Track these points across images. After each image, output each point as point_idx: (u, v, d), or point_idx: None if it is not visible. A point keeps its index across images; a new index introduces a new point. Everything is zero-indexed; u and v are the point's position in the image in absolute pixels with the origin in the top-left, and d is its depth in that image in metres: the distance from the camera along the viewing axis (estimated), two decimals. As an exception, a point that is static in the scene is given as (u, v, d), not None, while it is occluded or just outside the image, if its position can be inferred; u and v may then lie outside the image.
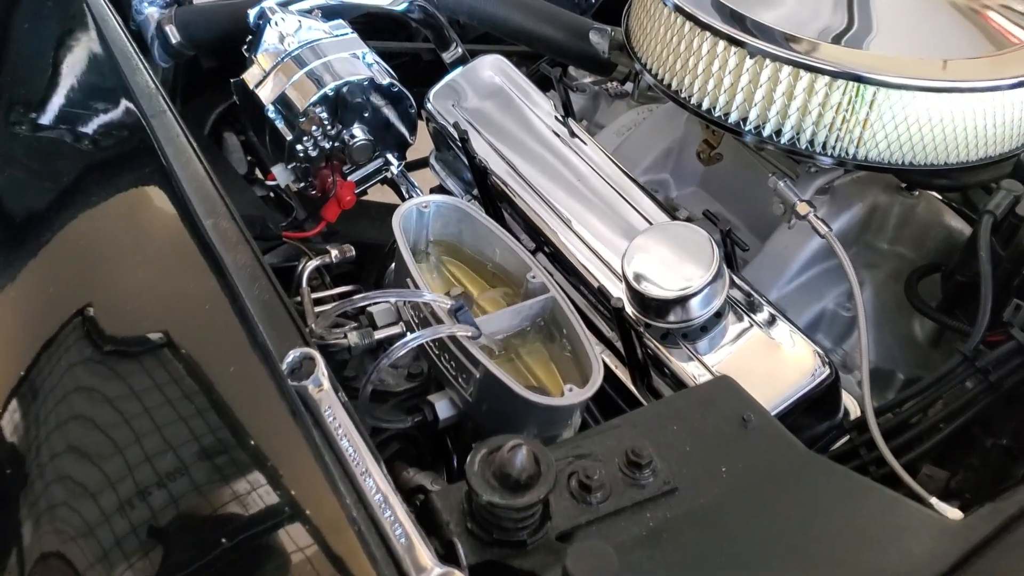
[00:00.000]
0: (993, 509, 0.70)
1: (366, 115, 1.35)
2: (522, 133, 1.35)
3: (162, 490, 0.69)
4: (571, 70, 1.69)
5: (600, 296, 1.13)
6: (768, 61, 1.10)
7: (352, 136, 1.35)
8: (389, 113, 1.37)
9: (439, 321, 0.92)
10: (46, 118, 1.10)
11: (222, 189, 0.96)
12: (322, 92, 1.30)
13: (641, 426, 0.83)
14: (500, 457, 0.72)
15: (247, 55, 1.40)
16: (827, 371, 1.06)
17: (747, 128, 1.16)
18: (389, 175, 1.45)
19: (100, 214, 0.95)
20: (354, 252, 1.14)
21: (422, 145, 1.52)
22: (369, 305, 0.99)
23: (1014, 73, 1.10)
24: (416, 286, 0.95)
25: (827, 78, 1.08)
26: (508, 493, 0.71)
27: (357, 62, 1.35)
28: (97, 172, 1.02)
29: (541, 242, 1.25)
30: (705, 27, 1.13)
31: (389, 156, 1.43)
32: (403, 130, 1.40)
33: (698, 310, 1.07)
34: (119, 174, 1.01)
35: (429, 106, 1.42)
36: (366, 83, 1.33)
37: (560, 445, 0.83)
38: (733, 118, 1.16)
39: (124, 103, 1.06)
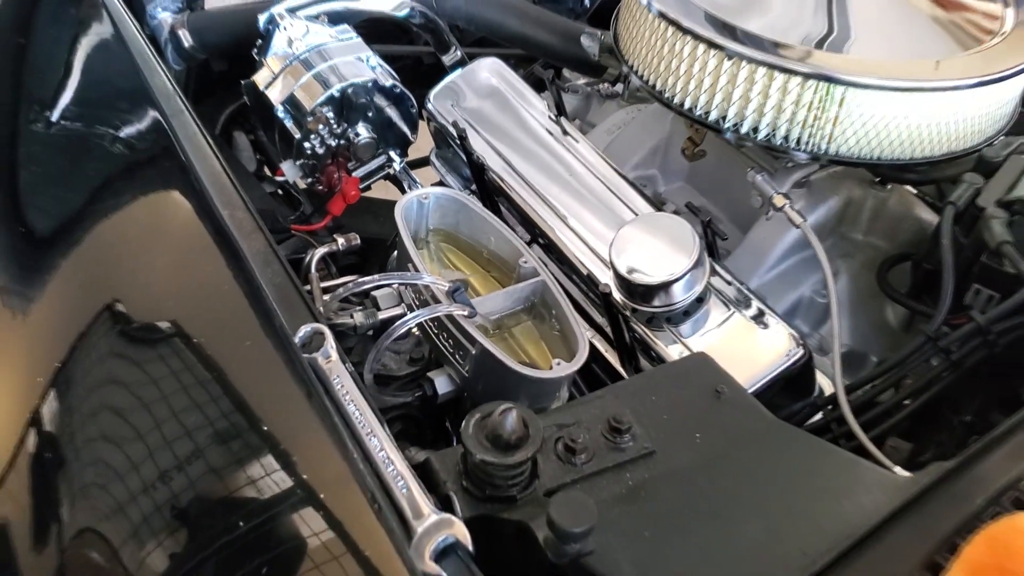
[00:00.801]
0: (937, 466, 0.77)
1: (370, 115, 1.43)
2: (517, 132, 1.42)
3: (191, 452, 0.77)
4: (565, 72, 1.77)
5: (589, 282, 1.21)
6: (744, 63, 1.17)
7: (357, 134, 1.43)
8: (391, 113, 1.44)
9: (438, 302, 0.99)
10: (70, 120, 1.17)
11: (237, 183, 1.03)
12: (328, 93, 1.38)
13: (623, 397, 0.90)
14: (492, 420, 0.79)
15: (257, 58, 1.47)
16: (801, 352, 1.14)
17: (726, 126, 1.23)
18: (392, 171, 1.52)
19: (124, 207, 1.02)
20: (359, 241, 1.21)
21: (424, 144, 1.60)
22: (373, 289, 1.07)
23: (975, 73, 1.17)
24: (416, 270, 1.03)
25: (799, 78, 1.15)
26: (499, 452, 0.78)
27: (361, 65, 1.43)
28: (120, 168, 1.09)
29: (535, 234, 1.33)
30: (687, 32, 1.21)
31: (392, 153, 1.50)
32: (405, 129, 1.47)
33: (680, 295, 1.14)
34: (141, 170, 1.08)
35: (430, 106, 1.49)
36: (370, 84, 1.40)
37: (549, 414, 0.90)
38: (713, 116, 1.24)
39: (144, 103, 1.12)
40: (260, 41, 1.48)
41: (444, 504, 0.79)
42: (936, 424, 1.22)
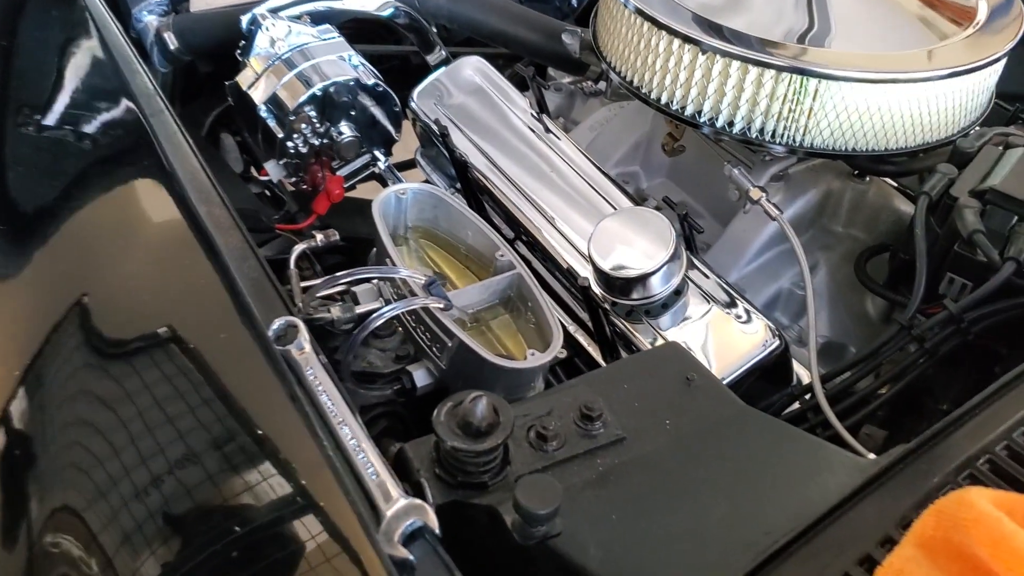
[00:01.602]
0: (900, 448, 0.78)
1: (353, 113, 1.44)
2: (500, 129, 1.44)
3: (164, 442, 0.78)
4: (550, 71, 1.78)
5: (570, 277, 1.22)
6: (719, 57, 1.18)
7: (340, 133, 1.44)
8: (375, 111, 1.46)
9: (415, 295, 1.01)
10: (51, 119, 1.18)
11: (215, 180, 1.04)
12: (311, 92, 1.39)
13: (595, 385, 0.91)
14: (463, 408, 0.80)
15: (240, 59, 1.48)
16: (777, 342, 1.15)
17: (702, 120, 1.24)
18: (377, 170, 1.53)
19: (103, 205, 1.03)
20: (338, 236, 1.22)
21: (413, 145, 1.61)
22: (351, 284, 1.08)
23: (947, 64, 1.18)
24: (394, 265, 1.04)
25: (773, 71, 1.17)
26: (470, 439, 0.79)
27: (344, 64, 1.44)
28: (100, 167, 1.10)
29: (519, 231, 1.34)
30: (662, 27, 1.22)
31: (376, 152, 1.51)
32: (388, 127, 1.48)
33: (658, 287, 1.15)
34: (121, 168, 1.09)
35: (413, 105, 1.51)
36: (352, 83, 1.42)
37: (523, 402, 0.91)
38: (689, 111, 1.25)
39: (125, 103, 1.14)
40: (243, 42, 1.49)
41: (416, 491, 0.80)
42: (916, 413, 1.23)
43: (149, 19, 1.65)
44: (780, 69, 1.16)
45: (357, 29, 1.86)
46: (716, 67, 1.19)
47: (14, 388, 0.84)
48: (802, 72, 1.16)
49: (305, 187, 1.48)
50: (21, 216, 1.08)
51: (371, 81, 1.44)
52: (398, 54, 1.93)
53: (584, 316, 1.24)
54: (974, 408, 0.80)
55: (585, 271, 1.21)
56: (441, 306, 0.98)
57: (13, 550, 0.77)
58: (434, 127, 1.42)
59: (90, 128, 1.16)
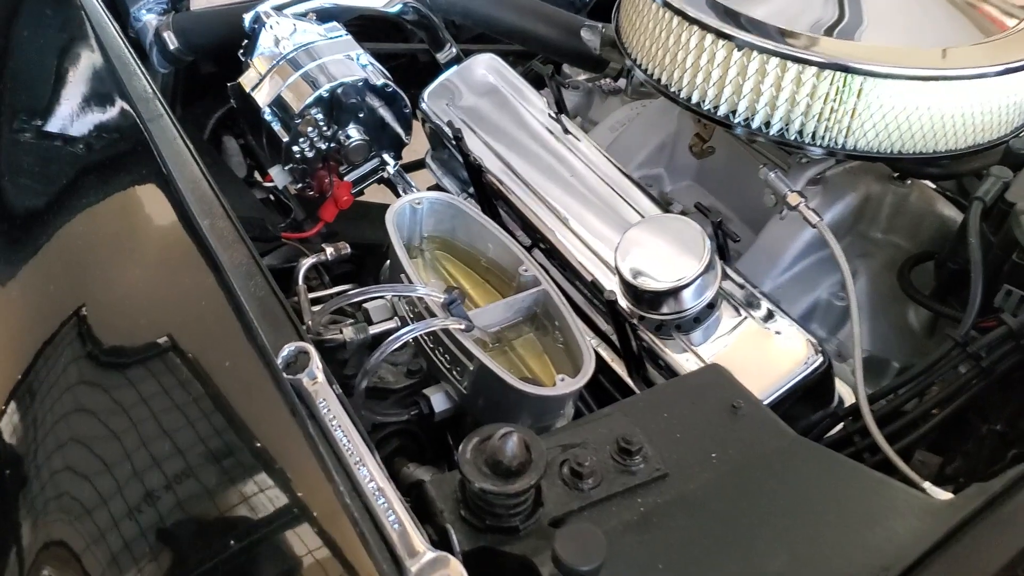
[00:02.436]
0: (979, 488, 0.71)
1: (361, 116, 1.37)
2: (516, 131, 1.36)
3: (160, 484, 0.71)
4: (565, 68, 1.71)
5: (594, 289, 1.15)
6: (755, 53, 1.11)
7: (348, 137, 1.37)
8: (384, 113, 1.38)
9: (432, 315, 0.93)
10: (46, 124, 1.12)
11: (218, 190, 0.97)
12: (317, 94, 1.32)
13: (632, 414, 0.84)
14: (491, 445, 0.73)
15: (243, 59, 1.41)
16: (820, 359, 1.08)
17: (736, 120, 1.17)
18: (386, 175, 1.46)
19: (99, 216, 0.97)
20: (349, 249, 1.15)
21: (420, 146, 1.54)
22: (365, 301, 1.00)
23: (1001, 60, 1.11)
24: (410, 281, 0.97)
25: (814, 69, 1.09)
26: (500, 480, 0.72)
27: (351, 63, 1.37)
28: (96, 175, 1.04)
29: (536, 239, 1.27)
30: (693, 21, 1.15)
31: (385, 156, 1.44)
32: (398, 130, 1.41)
33: (690, 301, 1.08)
34: (117, 177, 1.03)
35: (424, 106, 1.43)
36: (360, 84, 1.34)
37: (553, 434, 0.84)
38: (722, 111, 1.17)
39: (122, 108, 1.08)
40: (246, 41, 1.42)
41: (440, 536, 0.73)
42: (962, 433, 1.16)
43: (148, 18, 1.58)
44: (822, 66, 1.09)
45: (362, 26, 1.80)
46: (752, 64, 1.11)
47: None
48: (846, 69, 1.08)
49: (312, 193, 1.41)
50: (10, 229, 1.01)
51: (380, 81, 1.36)
52: (406, 52, 1.86)
53: (607, 328, 1.17)
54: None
55: (610, 283, 1.14)
56: (462, 327, 0.91)
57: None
58: (447, 130, 1.34)
59: (85, 135, 1.09)
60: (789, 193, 1.18)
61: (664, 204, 1.33)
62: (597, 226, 1.23)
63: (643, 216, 1.21)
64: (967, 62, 1.10)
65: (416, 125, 1.48)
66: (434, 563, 0.65)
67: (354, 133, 1.38)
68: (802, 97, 1.11)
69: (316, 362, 0.77)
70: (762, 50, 1.10)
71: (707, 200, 1.40)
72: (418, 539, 0.67)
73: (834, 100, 1.10)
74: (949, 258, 1.18)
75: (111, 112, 1.09)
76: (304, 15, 1.44)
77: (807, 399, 1.10)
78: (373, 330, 0.97)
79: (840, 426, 1.09)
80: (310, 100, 1.32)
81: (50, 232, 0.95)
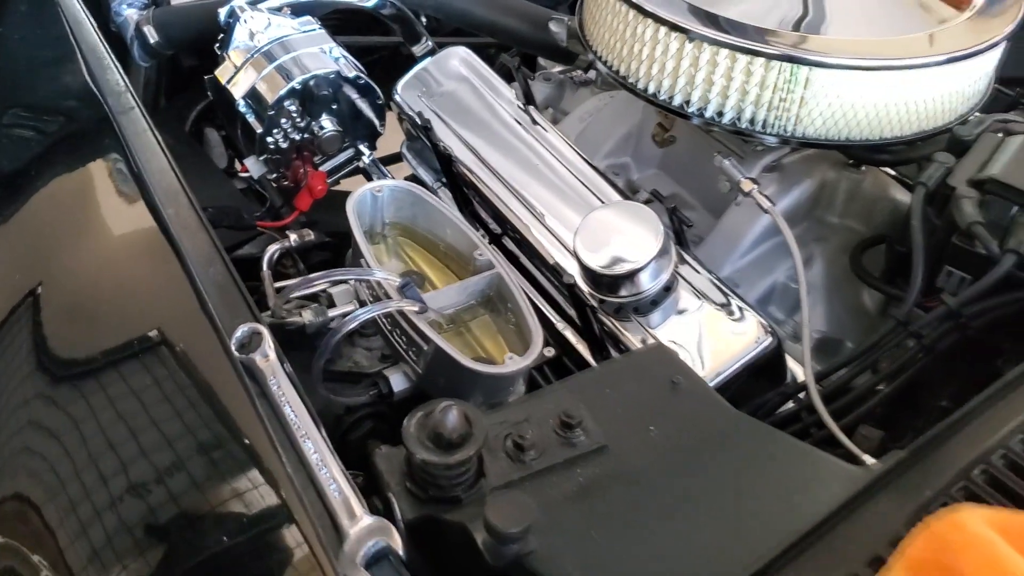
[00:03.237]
0: (893, 455, 0.75)
1: (334, 107, 1.40)
2: (486, 121, 1.39)
3: (114, 453, 0.75)
4: (541, 60, 1.74)
5: (554, 273, 1.18)
6: (706, 45, 1.14)
7: (321, 127, 1.40)
8: (357, 104, 1.41)
9: (389, 298, 0.97)
10: (16, 116, 1.15)
11: (185, 181, 1.00)
12: (290, 85, 1.35)
13: (577, 390, 0.88)
14: (433, 418, 0.77)
15: (219, 52, 1.45)
16: (770, 339, 1.11)
17: (691, 110, 1.20)
18: (361, 164, 1.49)
19: (61, 207, 1.00)
20: (313, 236, 1.19)
21: (400, 139, 1.57)
22: (325, 287, 1.04)
23: (943, 50, 1.14)
24: (368, 266, 1.00)
25: (763, 59, 1.12)
26: (441, 451, 0.76)
27: (324, 56, 1.40)
28: (64, 167, 1.07)
29: (506, 227, 1.30)
30: (648, 15, 1.18)
31: (360, 146, 1.47)
32: (372, 120, 1.44)
33: (646, 284, 1.11)
34: (84, 169, 1.06)
35: (397, 97, 1.46)
36: (333, 76, 1.37)
37: (500, 410, 0.88)
38: (677, 101, 1.21)
39: (93, 101, 1.10)
40: (222, 35, 1.45)
41: (385, 506, 0.76)
42: (914, 410, 1.19)
43: (129, 13, 1.60)
44: (770, 57, 1.12)
45: (345, 20, 1.83)
46: (704, 55, 1.15)
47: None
48: (792, 60, 1.11)
49: (287, 183, 1.44)
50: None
51: (352, 74, 1.39)
52: (386, 46, 1.88)
53: (574, 313, 1.21)
54: (971, 412, 0.77)
55: (573, 268, 1.17)
56: (416, 309, 0.95)
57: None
58: (417, 120, 1.38)
59: (54, 127, 1.13)
60: (742, 179, 1.21)
61: (630, 192, 1.37)
62: (563, 213, 1.26)
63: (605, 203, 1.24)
64: (911, 52, 1.13)
65: (394, 119, 1.51)
66: (371, 529, 0.69)
67: (327, 124, 1.41)
68: (752, 87, 1.14)
69: (268, 342, 0.81)
70: (713, 42, 1.14)
71: (671, 188, 1.43)
72: (358, 506, 0.70)
73: (782, 90, 1.13)
74: (897, 241, 1.21)
75: (82, 105, 1.12)
76: (279, 10, 1.47)
77: (761, 377, 1.14)
78: (332, 313, 1.01)
79: (790, 403, 1.12)
80: (283, 92, 1.35)
81: (16, 222, 0.99)
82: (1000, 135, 1.15)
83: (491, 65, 1.49)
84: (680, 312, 1.15)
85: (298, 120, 1.39)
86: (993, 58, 1.21)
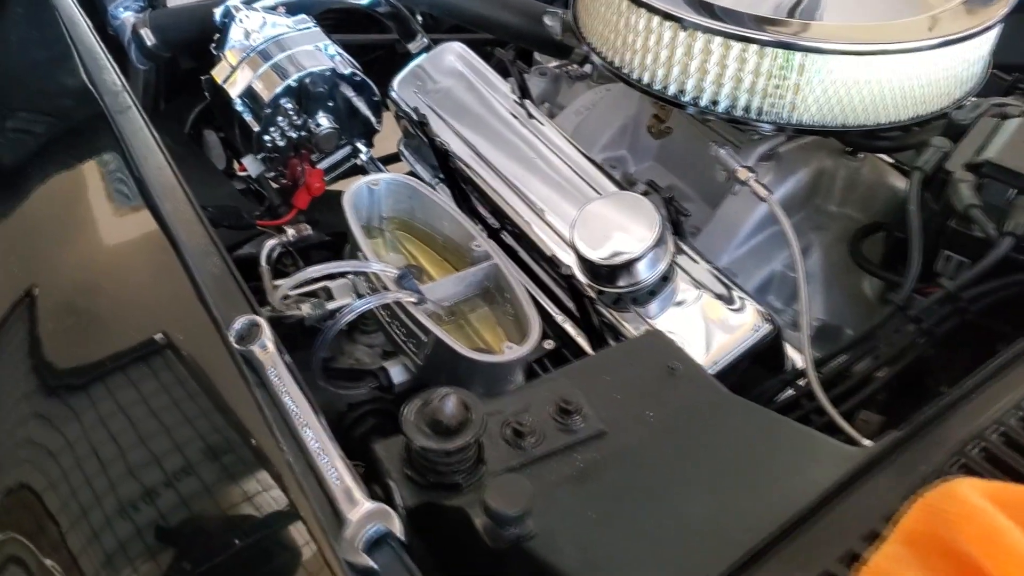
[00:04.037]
0: (890, 435, 0.75)
1: (331, 104, 1.41)
2: (482, 116, 1.40)
3: (114, 444, 0.75)
4: (537, 55, 1.74)
5: (552, 265, 1.18)
6: (699, 34, 1.14)
7: (318, 125, 1.41)
8: (354, 102, 1.42)
9: (387, 289, 0.97)
10: (12, 119, 1.15)
11: (183, 179, 1.01)
12: (286, 83, 1.36)
13: (575, 377, 0.88)
14: (432, 406, 0.77)
15: (215, 52, 1.45)
16: (769, 327, 1.11)
17: (686, 99, 1.20)
18: (359, 162, 1.50)
19: (59, 205, 1.01)
20: (311, 230, 1.19)
21: (397, 136, 1.57)
22: (323, 280, 1.04)
23: (939, 33, 1.14)
24: (366, 259, 1.01)
25: (756, 47, 1.12)
26: (440, 438, 0.76)
27: (320, 54, 1.40)
28: (61, 167, 1.07)
29: (504, 221, 1.30)
30: (641, 4, 1.18)
31: (357, 144, 1.48)
32: (369, 117, 1.45)
33: (644, 274, 1.11)
34: (83, 167, 1.06)
35: (393, 94, 1.47)
36: (328, 73, 1.38)
37: (498, 398, 0.88)
38: (672, 91, 1.21)
39: (90, 102, 1.11)
40: (218, 35, 1.46)
41: (386, 493, 0.77)
42: (915, 396, 1.19)
43: (126, 16, 1.61)
44: (763, 44, 1.12)
45: (341, 19, 1.83)
46: (697, 44, 1.15)
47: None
48: (786, 46, 1.11)
49: (285, 181, 1.45)
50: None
51: (348, 71, 1.40)
52: (382, 43, 1.89)
53: (572, 305, 1.21)
54: (968, 391, 0.77)
55: (570, 259, 1.18)
56: (414, 300, 0.95)
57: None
58: (413, 116, 1.38)
59: (52, 128, 1.13)
60: (738, 169, 1.21)
61: (627, 185, 1.36)
62: (560, 206, 1.26)
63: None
64: (905, 36, 1.13)
65: (391, 118, 1.52)
66: (371, 514, 0.69)
67: (324, 122, 1.42)
68: (746, 75, 1.14)
69: (267, 333, 0.81)
70: (706, 30, 1.14)
71: (668, 179, 1.43)
72: (358, 492, 0.71)
73: (776, 77, 1.13)
74: (895, 227, 1.21)
75: (80, 106, 1.12)
76: (274, 8, 1.48)
77: (761, 365, 1.14)
78: (331, 306, 1.01)
79: (790, 390, 1.12)
80: (280, 90, 1.36)
81: (11, 217, 0.99)
82: (996, 119, 1.15)
83: (487, 61, 1.49)
84: (679, 303, 1.15)
85: (295, 118, 1.40)
86: (988, 41, 1.21)
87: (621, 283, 1.12)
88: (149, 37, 1.56)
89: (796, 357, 1.19)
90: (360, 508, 0.69)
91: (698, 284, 1.15)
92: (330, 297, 1.07)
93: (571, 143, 1.33)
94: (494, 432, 0.82)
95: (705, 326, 1.13)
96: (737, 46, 1.13)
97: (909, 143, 1.26)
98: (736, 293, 1.14)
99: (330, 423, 0.80)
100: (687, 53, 1.16)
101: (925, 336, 1.08)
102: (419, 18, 1.64)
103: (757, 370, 1.16)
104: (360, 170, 1.53)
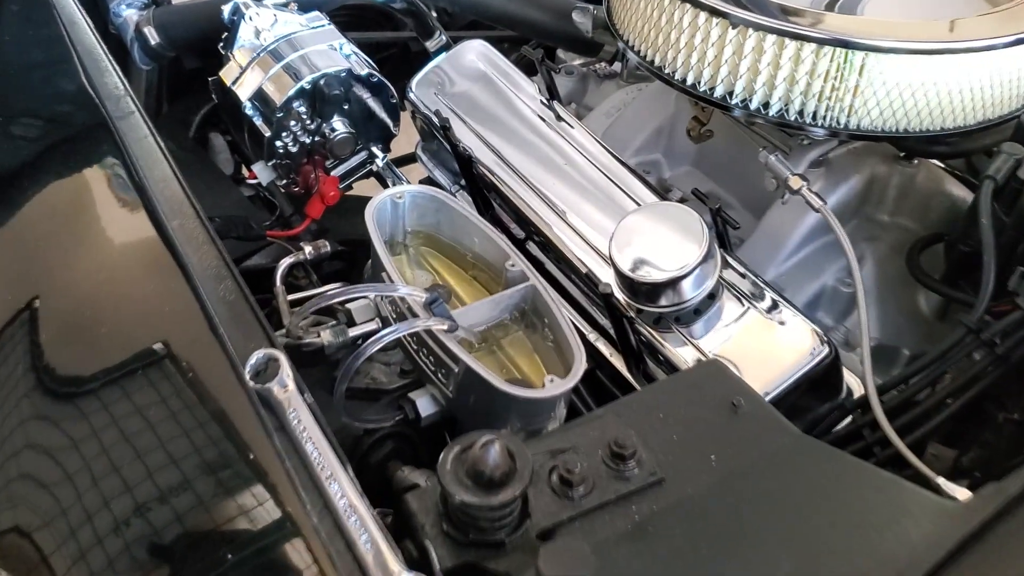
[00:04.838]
0: (997, 489, 0.66)
1: (346, 107, 1.33)
2: (507, 119, 1.32)
3: (119, 504, 0.67)
4: (559, 53, 1.66)
5: (589, 282, 1.10)
6: (752, 31, 1.06)
7: (333, 130, 1.33)
8: (370, 104, 1.34)
9: (415, 315, 0.89)
10: (12, 121, 1.08)
11: (190, 190, 0.93)
12: (299, 85, 1.28)
13: (626, 415, 0.80)
14: (472, 454, 0.69)
15: (223, 52, 1.37)
16: (826, 350, 1.03)
17: (734, 102, 1.12)
18: (374, 168, 1.42)
19: (57, 219, 0.93)
20: (329, 248, 1.11)
21: (411, 138, 1.49)
22: (345, 302, 0.96)
23: (1010, 31, 1.05)
24: (391, 280, 0.92)
25: (813, 45, 1.04)
26: (482, 492, 0.68)
27: (334, 54, 1.33)
28: (61, 174, 1.00)
29: (530, 231, 1.22)
30: (686, 0, 1.10)
31: (373, 149, 1.40)
32: (386, 121, 1.37)
33: (690, 292, 1.03)
34: (82, 178, 0.99)
35: (411, 95, 1.39)
36: (344, 74, 1.31)
37: (542, 439, 0.80)
38: (719, 92, 1.13)
39: (91, 106, 1.04)
40: (226, 34, 1.38)
41: (421, 552, 0.68)
42: (979, 422, 1.11)
43: (128, 13, 1.54)
44: (821, 42, 1.04)
45: (355, 16, 1.76)
46: (749, 42, 1.06)
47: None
48: (846, 45, 1.03)
49: (297, 189, 1.37)
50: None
51: (364, 71, 1.32)
52: (397, 41, 1.81)
53: (606, 323, 1.12)
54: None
55: (606, 275, 1.09)
56: (444, 327, 0.86)
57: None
58: (435, 119, 1.30)
59: (50, 136, 1.05)
60: (791, 176, 1.13)
61: (662, 191, 1.28)
62: (593, 216, 1.18)
63: (640, 204, 1.16)
64: (974, 34, 1.05)
65: (406, 117, 1.44)
66: (410, 586, 0.61)
67: (339, 126, 1.34)
68: (801, 75, 1.06)
69: (286, 369, 0.73)
70: (758, 27, 1.06)
71: (706, 186, 1.35)
72: (392, 560, 0.62)
73: (835, 78, 1.05)
74: (960, 240, 1.13)
75: (80, 111, 1.05)
76: (285, 5, 1.40)
77: (814, 391, 1.06)
78: (353, 332, 0.93)
79: (849, 419, 1.04)
80: (292, 92, 1.28)
81: (11, 233, 0.91)
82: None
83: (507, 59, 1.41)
84: (724, 321, 1.07)
85: (308, 122, 1.32)
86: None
87: (664, 302, 1.04)
88: (153, 36, 1.49)
89: (851, 381, 1.10)
90: (396, 580, 0.60)
91: (747, 301, 1.07)
92: (350, 319, 0.99)
93: (604, 147, 1.25)
94: (539, 478, 0.74)
95: (756, 349, 1.05)
96: (792, 44, 1.05)
97: (970, 148, 1.19)
98: (789, 311, 1.05)
99: (345, 448, 0.73)
100: (737, 52, 1.08)
101: (999, 361, 0.99)
102: (434, 14, 1.56)
103: (808, 396, 1.08)
104: (376, 176, 1.45)
